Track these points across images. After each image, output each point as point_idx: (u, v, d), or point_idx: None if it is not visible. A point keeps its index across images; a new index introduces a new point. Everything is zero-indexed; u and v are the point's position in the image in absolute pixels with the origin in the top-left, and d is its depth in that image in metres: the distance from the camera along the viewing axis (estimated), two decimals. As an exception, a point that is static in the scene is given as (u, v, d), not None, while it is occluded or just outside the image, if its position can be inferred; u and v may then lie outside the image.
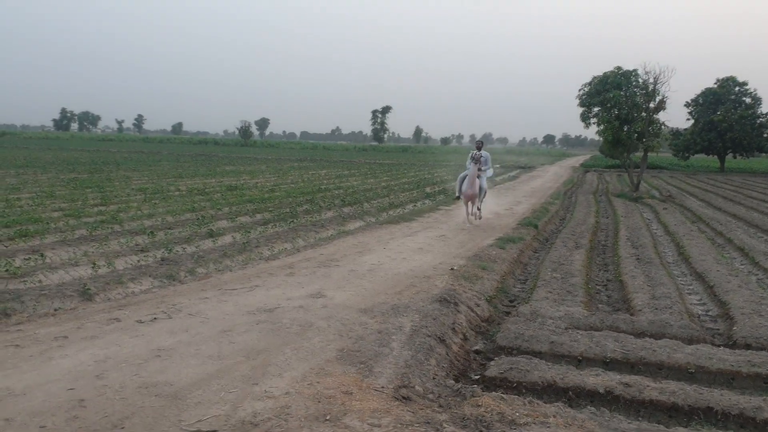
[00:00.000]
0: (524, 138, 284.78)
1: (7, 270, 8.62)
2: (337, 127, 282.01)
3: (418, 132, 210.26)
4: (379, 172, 39.71)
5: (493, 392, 5.18)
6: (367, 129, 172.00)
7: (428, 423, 4.31)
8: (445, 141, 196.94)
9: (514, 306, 8.57)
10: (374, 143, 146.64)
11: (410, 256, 10.89)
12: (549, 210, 19.30)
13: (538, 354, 6.30)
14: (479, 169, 14.20)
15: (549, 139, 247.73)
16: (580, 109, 27.00)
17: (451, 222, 15.66)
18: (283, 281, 8.53)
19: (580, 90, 26.92)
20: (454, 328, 6.98)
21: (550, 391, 5.42)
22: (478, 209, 15.18)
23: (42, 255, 9.73)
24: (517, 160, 68.05)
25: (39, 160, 37.21)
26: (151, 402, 4.33)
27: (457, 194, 14.99)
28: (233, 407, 4.32)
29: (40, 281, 8.38)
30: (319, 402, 4.49)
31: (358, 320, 6.72)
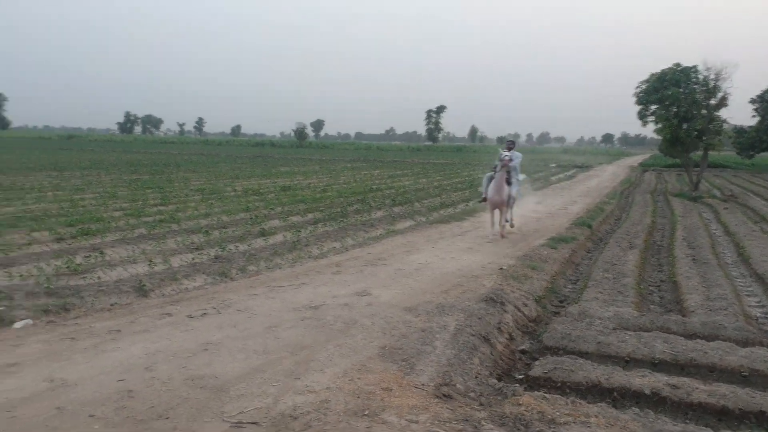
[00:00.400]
0: (582, 137, 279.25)
1: (68, 267, 9.00)
2: (392, 128, 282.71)
3: (473, 131, 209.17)
4: (432, 171, 39.65)
5: (536, 392, 5.14)
6: (421, 129, 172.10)
7: (466, 420, 4.31)
8: (501, 140, 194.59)
9: (564, 306, 8.45)
10: (428, 143, 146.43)
11: (459, 255, 10.85)
12: (604, 210, 18.92)
13: (584, 354, 6.21)
14: (508, 172, 12.36)
15: (607, 138, 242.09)
16: (638, 107, 26.32)
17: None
18: (329, 279, 8.64)
19: (637, 87, 26.24)
20: (499, 328, 6.94)
21: (594, 392, 5.34)
22: (507, 221, 13.20)
23: (102, 253, 10.11)
24: (574, 159, 66.79)
25: (103, 162, 38.58)
26: (196, 394, 4.48)
27: (483, 195, 13.07)
28: (274, 400, 4.42)
29: (99, 278, 8.71)
30: (358, 397, 4.55)
31: (402, 318, 6.75)
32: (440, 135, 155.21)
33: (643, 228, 15.08)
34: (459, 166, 48.02)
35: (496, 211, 12.89)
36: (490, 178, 12.70)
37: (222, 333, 6.00)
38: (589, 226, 14.84)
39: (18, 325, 6.32)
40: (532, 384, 5.57)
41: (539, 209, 18.30)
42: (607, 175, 40.10)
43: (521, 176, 13.44)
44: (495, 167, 12.53)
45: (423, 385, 4.96)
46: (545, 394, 5.00)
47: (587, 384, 5.42)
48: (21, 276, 8.38)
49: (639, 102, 26.11)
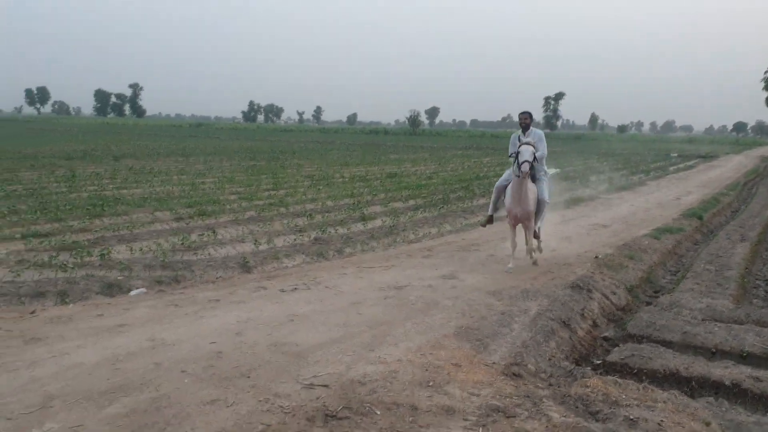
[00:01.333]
0: (711, 125, 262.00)
1: (183, 243, 9.83)
2: (508, 115, 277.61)
3: (593, 119, 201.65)
4: (546, 159, 38.74)
5: (609, 376, 5.15)
6: (539, 116, 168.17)
7: (527, 397, 4.44)
8: (622, 128, 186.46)
9: (658, 296, 8.25)
10: (546, 131, 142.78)
11: (556, 243, 10.73)
12: (720, 201, 17.92)
13: (667, 343, 6.10)
14: (532, 162, 8.12)
15: (740, 126, 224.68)
16: (766, 93, 24.62)
17: (610, 211, 15.14)
18: (419, 263, 8.89)
19: (766, 72, 24.56)
20: (583, 314, 6.94)
21: (671, 380, 5.29)
22: (536, 237, 9.03)
23: (214, 232, 10.92)
24: (698, 149, 63.01)
25: (226, 149, 40.77)
26: (277, 358, 4.89)
27: (489, 212, 9.35)
28: (347, 368, 4.74)
29: (209, 254, 9.46)
30: (426, 371, 4.78)
31: (485, 302, 6.89)
32: (558, 122, 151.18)
33: (761, 220, 14.20)
34: (573, 155, 46.56)
35: (519, 227, 8.82)
36: (502, 188, 8.90)
37: (308, 306, 6.42)
38: (700, 218, 14.16)
39: (133, 293, 7.07)
40: (609, 369, 5.57)
41: (650, 199, 17.65)
42: (732, 166, 37.55)
43: (551, 170, 9.37)
44: (513, 153, 8.41)
45: (493, 363, 5.12)
46: (617, 379, 5.00)
47: (664, 372, 5.36)
48: (141, 250, 9.26)
49: (767, 87, 24.41)
